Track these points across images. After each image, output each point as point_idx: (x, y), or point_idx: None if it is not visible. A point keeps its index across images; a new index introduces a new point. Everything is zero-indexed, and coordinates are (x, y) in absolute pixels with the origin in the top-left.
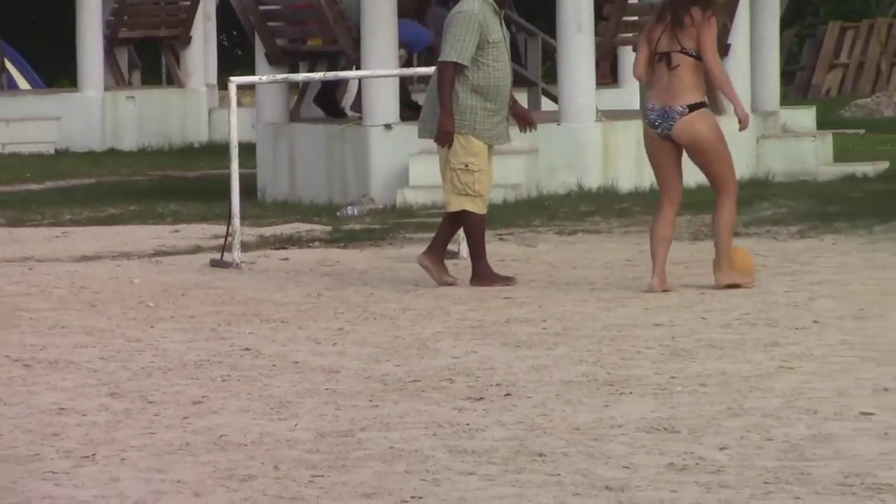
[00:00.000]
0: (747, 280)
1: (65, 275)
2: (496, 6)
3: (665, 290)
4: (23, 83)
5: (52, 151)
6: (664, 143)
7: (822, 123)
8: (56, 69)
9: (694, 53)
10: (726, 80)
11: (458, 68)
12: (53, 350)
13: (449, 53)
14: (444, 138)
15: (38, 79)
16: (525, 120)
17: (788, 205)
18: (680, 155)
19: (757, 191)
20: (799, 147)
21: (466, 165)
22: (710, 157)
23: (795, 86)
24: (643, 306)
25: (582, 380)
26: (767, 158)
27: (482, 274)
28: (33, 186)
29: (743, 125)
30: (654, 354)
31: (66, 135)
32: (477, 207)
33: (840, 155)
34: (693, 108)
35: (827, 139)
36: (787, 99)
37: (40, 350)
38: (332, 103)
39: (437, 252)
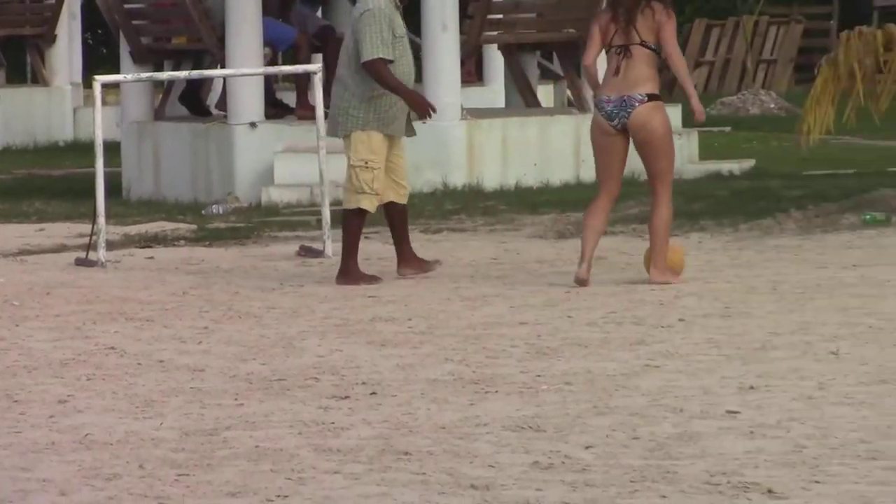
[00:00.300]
0: (677, 279)
1: None
2: (397, 1)
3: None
4: None
5: None
6: (616, 136)
7: (687, 121)
8: None
9: (653, 46)
10: (686, 74)
11: (385, 62)
12: None
13: (373, 51)
14: (424, 111)
15: None
16: (424, 111)
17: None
18: (627, 148)
19: (623, 189)
20: None
21: (366, 163)
22: (657, 151)
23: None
24: (508, 305)
25: (447, 378)
26: (633, 156)
27: (350, 271)
28: None
29: (698, 118)
30: (520, 353)
31: None
32: (371, 206)
33: (706, 153)
34: (651, 97)
35: (693, 137)
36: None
37: None
38: (196, 102)
39: (407, 251)
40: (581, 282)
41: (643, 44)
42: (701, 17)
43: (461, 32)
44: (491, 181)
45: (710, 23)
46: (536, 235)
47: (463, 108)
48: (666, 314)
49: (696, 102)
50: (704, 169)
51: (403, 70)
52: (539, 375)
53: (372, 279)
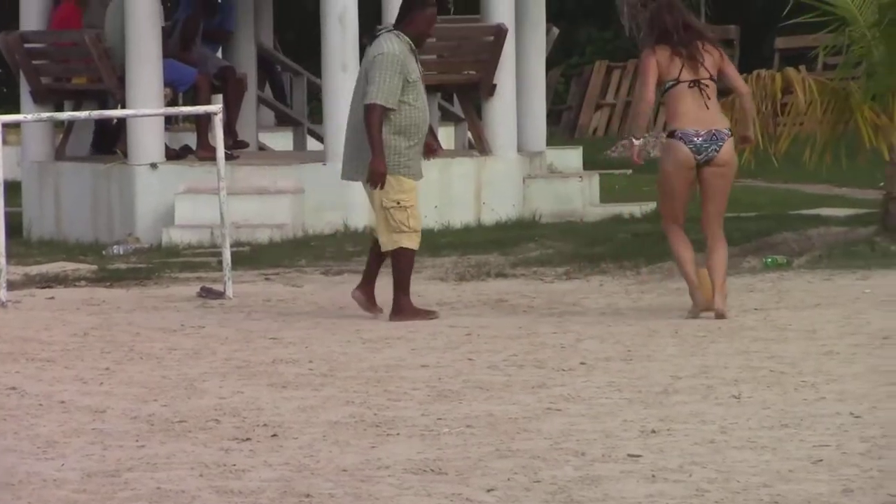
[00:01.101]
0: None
1: None
2: (412, 45)
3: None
4: None
5: None
6: (691, 170)
7: (588, 163)
8: None
9: (715, 80)
10: (752, 105)
11: (384, 111)
12: None
13: (376, 96)
14: (376, 179)
15: None
16: (430, 148)
17: (555, 245)
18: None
19: (523, 231)
20: (566, 187)
21: (398, 202)
22: (729, 187)
23: (562, 126)
24: (410, 347)
25: (349, 421)
26: (534, 199)
27: (404, 308)
28: None
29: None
30: (421, 396)
31: None
32: (413, 243)
33: (607, 195)
34: (730, 131)
35: (594, 179)
36: (553, 139)
37: None
38: (108, 144)
39: (369, 285)
40: (720, 314)
41: (712, 78)
42: (601, 58)
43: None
44: None
45: (611, 64)
46: (437, 278)
47: None
48: (567, 357)
49: (753, 131)
50: (606, 211)
51: (418, 114)
52: (440, 418)
53: (428, 314)
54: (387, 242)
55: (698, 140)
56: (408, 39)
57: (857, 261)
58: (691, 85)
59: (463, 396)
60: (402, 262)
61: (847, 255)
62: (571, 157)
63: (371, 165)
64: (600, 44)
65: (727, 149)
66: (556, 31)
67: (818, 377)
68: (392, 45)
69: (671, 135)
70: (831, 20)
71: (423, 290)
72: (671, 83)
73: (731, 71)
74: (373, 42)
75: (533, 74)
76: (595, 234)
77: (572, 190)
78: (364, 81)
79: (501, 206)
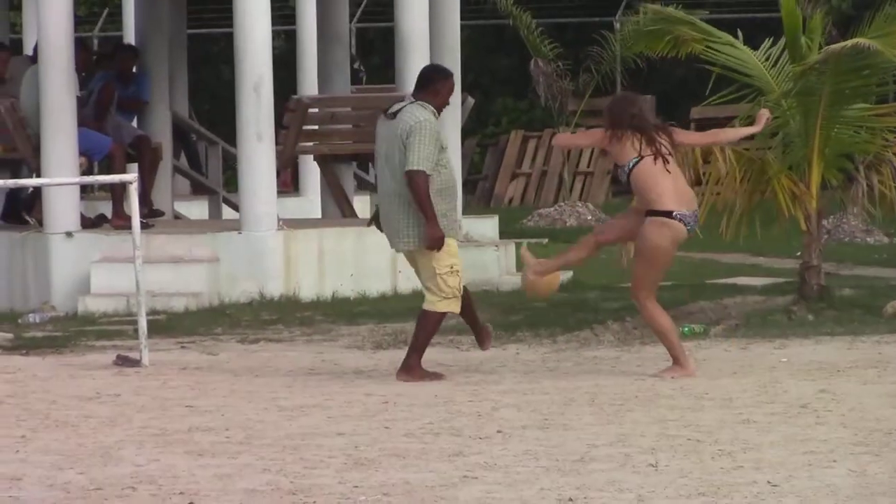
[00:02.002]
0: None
1: None
2: (437, 113)
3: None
4: None
5: None
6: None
7: (505, 232)
8: None
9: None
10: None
11: (426, 177)
12: None
13: (420, 162)
14: (437, 244)
15: None
16: None
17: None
18: None
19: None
20: (482, 256)
21: (452, 267)
22: None
23: (477, 195)
24: (326, 415)
25: (265, 489)
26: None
27: (414, 368)
28: None
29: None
30: (338, 463)
31: None
32: (456, 308)
33: (523, 265)
34: None
35: (510, 248)
36: (469, 208)
37: None
38: (18, 213)
39: (477, 326)
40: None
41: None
42: (517, 128)
43: (277, 143)
44: (308, 291)
45: (526, 134)
46: (354, 346)
47: (279, 218)
48: (484, 425)
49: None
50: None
51: (453, 177)
52: (357, 486)
53: (434, 376)
54: (434, 305)
55: (691, 221)
56: (433, 109)
57: (774, 329)
58: (665, 166)
59: (379, 464)
60: (431, 326)
61: (764, 324)
62: (487, 225)
63: (429, 231)
64: (516, 114)
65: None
66: (471, 100)
67: (735, 445)
68: (427, 113)
69: (668, 215)
70: (748, 91)
71: (340, 357)
72: (635, 160)
73: (681, 136)
74: (400, 113)
75: (449, 144)
76: (511, 302)
77: (488, 259)
78: (399, 150)
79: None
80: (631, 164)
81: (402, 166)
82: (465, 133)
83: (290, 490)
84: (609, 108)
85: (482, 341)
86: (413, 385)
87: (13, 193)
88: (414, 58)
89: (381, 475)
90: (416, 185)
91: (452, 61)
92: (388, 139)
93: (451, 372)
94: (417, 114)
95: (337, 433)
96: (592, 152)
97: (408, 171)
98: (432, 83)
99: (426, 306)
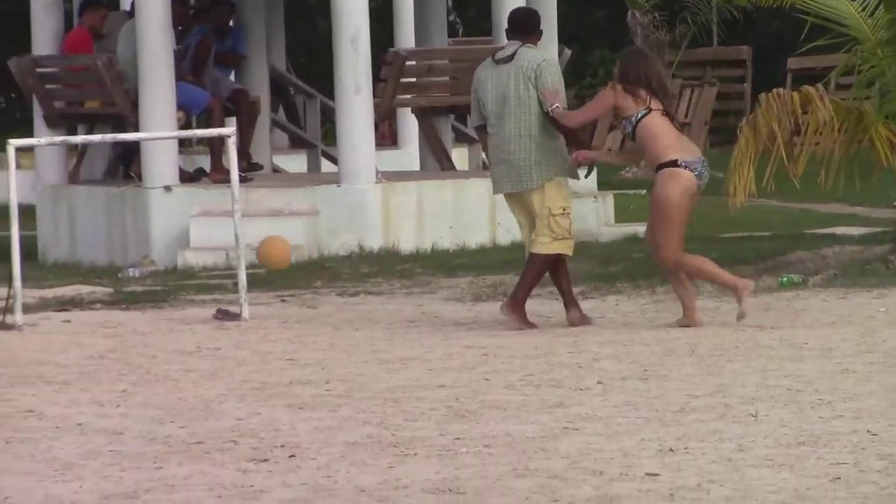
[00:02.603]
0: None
1: None
2: None
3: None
4: None
5: None
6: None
7: (603, 184)
8: None
9: None
10: None
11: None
12: None
13: (562, 99)
14: (589, 159)
15: None
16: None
17: (571, 266)
18: None
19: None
20: (581, 208)
21: (564, 209)
22: None
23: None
24: (426, 368)
25: (366, 441)
26: None
27: (519, 303)
28: None
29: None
30: (439, 416)
31: None
32: (569, 249)
33: (622, 215)
34: None
35: (608, 200)
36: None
37: None
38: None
39: (573, 304)
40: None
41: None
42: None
43: (375, 96)
44: (407, 244)
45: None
46: (453, 298)
47: (378, 171)
48: (584, 377)
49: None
50: (620, 231)
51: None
52: (458, 438)
53: (530, 325)
54: (545, 246)
55: (700, 167)
56: None
57: (872, 279)
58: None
59: (480, 416)
60: (543, 267)
61: (862, 274)
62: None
63: (582, 155)
64: (612, 65)
65: None
66: (568, 52)
67: (834, 395)
68: (544, 53)
69: (674, 164)
70: (844, 41)
71: (439, 310)
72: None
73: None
74: (515, 57)
75: None
76: (610, 253)
77: (587, 210)
78: (524, 90)
79: (517, 227)
80: (640, 115)
81: (527, 105)
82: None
83: (391, 442)
84: (628, 64)
85: (573, 317)
86: (513, 336)
87: (118, 149)
88: (512, 8)
89: (482, 427)
90: (567, 118)
91: (548, 13)
92: (505, 82)
93: (551, 324)
94: (538, 53)
95: (437, 385)
96: (690, 102)
97: (554, 108)
98: (536, 27)
99: (536, 248)
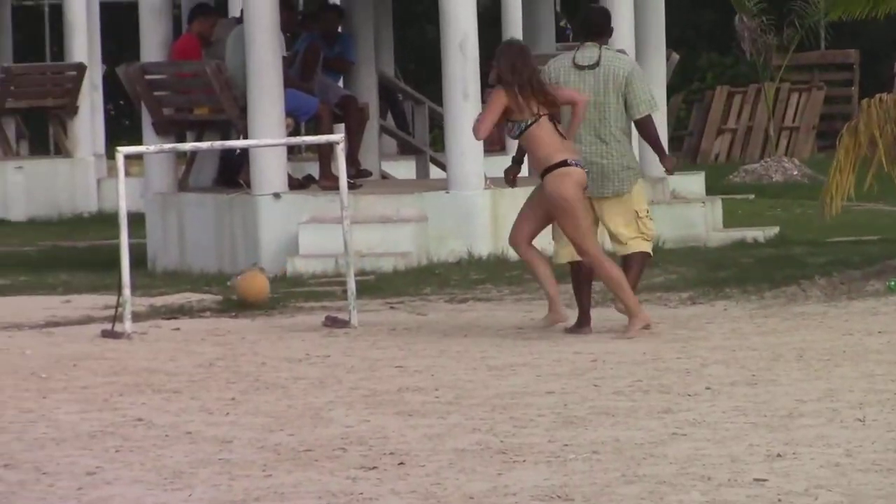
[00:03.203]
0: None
1: None
2: None
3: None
4: None
5: None
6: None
7: (711, 189)
8: None
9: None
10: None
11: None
12: None
13: (651, 105)
14: (675, 166)
15: None
16: None
17: (679, 271)
18: None
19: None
20: (689, 213)
21: (648, 211)
22: None
23: (684, 151)
24: (535, 374)
25: (475, 448)
26: (657, 224)
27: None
28: None
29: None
30: (547, 422)
31: None
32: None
33: (730, 220)
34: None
35: (716, 204)
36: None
37: None
38: (231, 175)
39: (586, 315)
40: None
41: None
42: (723, 84)
43: (483, 101)
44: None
45: (731, 90)
46: (563, 304)
47: (486, 177)
48: (692, 382)
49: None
50: (729, 236)
51: None
52: (567, 444)
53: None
54: (648, 246)
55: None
56: None
57: None
58: (551, 119)
59: (589, 422)
60: (644, 264)
61: None
62: (694, 182)
63: (669, 162)
64: (721, 69)
65: None
66: (676, 56)
67: None
68: (628, 58)
69: (563, 164)
70: None
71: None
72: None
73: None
74: (602, 62)
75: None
76: (718, 258)
77: (695, 215)
78: (615, 96)
79: None
80: (528, 123)
81: (618, 111)
82: (671, 89)
83: (500, 449)
84: (503, 66)
85: (581, 325)
86: (621, 342)
87: (226, 156)
88: (621, 12)
89: (591, 433)
90: (653, 127)
91: (657, 17)
92: (594, 88)
93: (659, 329)
94: (625, 59)
95: (546, 392)
96: (798, 106)
97: (646, 114)
98: (610, 26)
99: (643, 248)
